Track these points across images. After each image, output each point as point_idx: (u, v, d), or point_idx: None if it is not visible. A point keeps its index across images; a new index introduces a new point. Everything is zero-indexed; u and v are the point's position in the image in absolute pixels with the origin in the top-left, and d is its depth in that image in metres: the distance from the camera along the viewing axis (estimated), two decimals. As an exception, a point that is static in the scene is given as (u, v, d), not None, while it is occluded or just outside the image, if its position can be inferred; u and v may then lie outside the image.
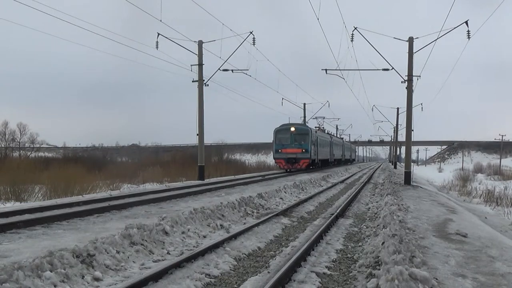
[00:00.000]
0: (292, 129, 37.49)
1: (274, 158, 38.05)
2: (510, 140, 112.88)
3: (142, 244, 7.81)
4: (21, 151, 70.72)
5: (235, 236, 9.18)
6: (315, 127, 48.72)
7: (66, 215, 10.74)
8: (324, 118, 61.04)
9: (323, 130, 53.21)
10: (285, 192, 18.83)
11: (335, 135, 69.14)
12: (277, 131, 37.80)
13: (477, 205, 24.99)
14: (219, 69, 26.26)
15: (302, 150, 36.96)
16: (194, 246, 8.43)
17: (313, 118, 56.65)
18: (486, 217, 18.12)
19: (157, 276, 6.15)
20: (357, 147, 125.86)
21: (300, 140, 37.33)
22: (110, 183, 32.60)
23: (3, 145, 71.66)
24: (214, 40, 25.67)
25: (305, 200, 16.78)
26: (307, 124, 55.88)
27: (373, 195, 20.80)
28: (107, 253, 6.95)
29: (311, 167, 40.44)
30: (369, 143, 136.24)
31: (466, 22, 21.76)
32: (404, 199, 16.29)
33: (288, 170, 37.15)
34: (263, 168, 59.10)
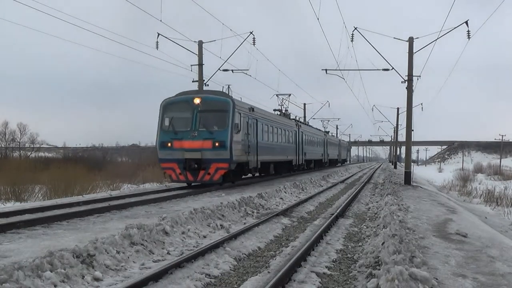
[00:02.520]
0: (197, 100, 18.98)
1: (160, 160, 19.40)
2: (510, 140, 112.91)
3: (142, 244, 7.81)
4: (21, 151, 70.79)
5: (235, 236, 9.18)
6: (299, 121, 36.53)
7: (66, 215, 10.74)
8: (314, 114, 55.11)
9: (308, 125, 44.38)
10: (285, 192, 18.83)
11: (332, 133, 64.66)
12: (167, 106, 19.65)
13: (477, 205, 25.00)
14: (219, 69, 26.20)
15: (214, 143, 18.45)
16: (194, 246, 8.43)
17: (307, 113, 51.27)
18: (486, 217, 18.13)
19: (157, 276, 6.15)
20: (351, 146, 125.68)
21: (212, 122, 19.06)
22: (110, 183, 32.63)
23: (3, 145, 71.72)
24: (214, 40, 25.45)
25: (305, 200, 16.78)
26: (308, 123, 48.72)
27: (373, 195, 20.80)
28: (107, 253, 6.95)
29: (253, 175, 24.41)
30: (369, 143, 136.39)
31: (466, 22, 21.77)
32: (404, 199, 16.29)
33: (191, 183, 19.57)
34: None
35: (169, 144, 18.95)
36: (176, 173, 18.80)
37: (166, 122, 19.40)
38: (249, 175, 23.57)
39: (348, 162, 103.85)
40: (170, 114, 19.42)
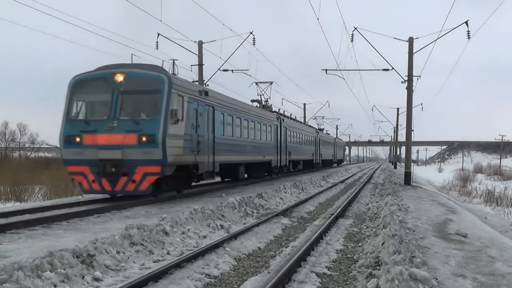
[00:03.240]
0: (118, 77, 13.72)
1: (65, 162, 14.14)
2: (510, 140, 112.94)
3: (142, 244, 7.81)
4: (21, 151, 70.77)
5: (235, 236, 9.18)
6: (282, 114, 30.87)
7: (66, 215, 10.74)
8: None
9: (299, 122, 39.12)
10: (285, 192, 18.83)
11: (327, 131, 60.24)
12: (76, 85, 14.37)
13: (477, 205, 24.99)
14: (219, 69, 26.23)
15: (140, 137, 13.23)
16: (194, 246, 8.43)
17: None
18: (486, 217, 18.12)
19: (157, 276, 6.15)
20: (351, 146, 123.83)
21: (139, 108, 13.91)
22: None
23: (3, 146, 71.71)
24: (214, 40, 25.40)
25: (305, 200, 16.79)
26: (295, 118, 40.15)
27: (373, 195, 20.81)
28: (107, 253, 6.95)
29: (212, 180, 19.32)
30: (369, 143, 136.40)
31: (466, 22, 21.77)
32: (404, 199, 16.29)
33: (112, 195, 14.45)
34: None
35: (78, 139, 13.43)
36: (88, 181, 13.43)
37: (75, 108, 13.99)
38: (212, 180, 18.84)
39: (345, 162, 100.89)
40: (81, 97, 14.05)
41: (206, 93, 16.65)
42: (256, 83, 30.22)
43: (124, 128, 13.16)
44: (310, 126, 45.22)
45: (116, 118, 13.35)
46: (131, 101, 13.83)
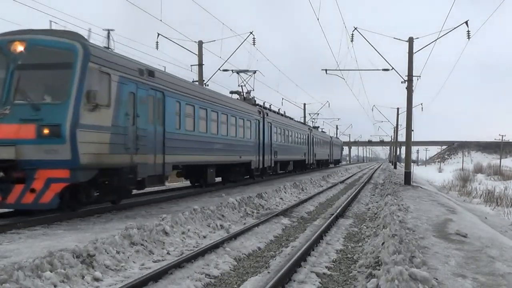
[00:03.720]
0: (17, 46, 10.12)
1: None
2: (510, 140, 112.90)
3: (142, 245, 7.81)
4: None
5: (235, 236, 9.18)
6: (267, 108, 27.55)
7: (66, 215, 10.73)
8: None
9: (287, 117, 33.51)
10: (285, 192, 18.83)
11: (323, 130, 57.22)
12: None
13: (477, 205, 24.99)
14: (219, 69, 26.24)
15: (40, 129, 9.63)
16: (194, 246, 8.43)
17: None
18: (486, 217, 18.12)
19: (157, 276, 6.15)
20: (351, 146, 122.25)
21: (41, 88, 10.41)
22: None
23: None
24: (214, 40, 25.40)
25: (305, 200, 16.79)
26: (284, 114, 35.74)
27: (373, 195, 20.81)
28: (107, 253, 6.95)
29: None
30: (369, 143, 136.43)
31: (466, 22, 21.79)
32: (404, 199, 16.29)
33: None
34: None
35: None
36: None
37: None
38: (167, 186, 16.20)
39: (345, 162, 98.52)
40: None
41: (151, 74, 12.74)
42: (237, 72, 25.82)
43: (19, 117, 9.73)
44: (302, 123, 41.69)
45: (9, 103, 9.89)
46: (32, 78, 10.35)
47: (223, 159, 18.85)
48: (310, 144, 39.22)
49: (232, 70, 26.11)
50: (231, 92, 24.28)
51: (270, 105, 28.77)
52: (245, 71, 26.04)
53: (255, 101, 25.80)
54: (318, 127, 54.00)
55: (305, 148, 37.10)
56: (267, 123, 25.34)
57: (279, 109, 31.31)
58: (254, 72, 26.29)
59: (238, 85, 25.54)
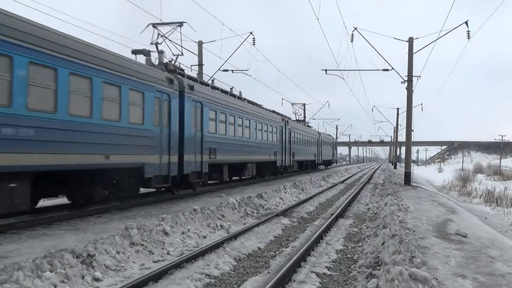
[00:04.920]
0: None
1: None
2: (510, 140, 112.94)
3: (142, 245, 7.81)
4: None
5: (235, 237, 9.19)
6: (213, 86, 20.22)
7: (66, 216, 10.74)
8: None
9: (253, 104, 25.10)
10: (285, 192, 18.83)
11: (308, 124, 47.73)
12: None
13: (477, 205, 24.97)
14: (219, 69, 26.22)
15: None
16: (194, 247, 8.43)
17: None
18: (486, 217, 18.12)
19: (157, 277, 6.16)
20: (351, 147, 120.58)
21: None
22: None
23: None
24: (214, 41, 25.35)
25: (305, 201, 16.80)
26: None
27: (373, 195, 20.81)
28: (107, 253, 6.95)
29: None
30: (369, 143, 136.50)
31: (466, 23, 21.77)
32: (404, 199, 16.29)
33: None
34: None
35: None
36: None
37: None
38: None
39: (343, 163, 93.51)
40: None
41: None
42: (153, 25, 17.74)
43: None
44: (274, 112, 29.57)
45: None
46: None
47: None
48: (284, 141, 29.70)
49: (152, 25, 17.78)
50: (134, 52, 15.33)
51: (231, 89, 22.94)
52: (166, 24, 18.13)
53: (184, 75, 16.94)
54: (303, 120, 45.91)
55: (277, 146, 28.14)
56: (207, 110, 18.13)
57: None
58: (180, 24, 18.24)
59: (151, 43, 17.28)
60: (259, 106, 26.75)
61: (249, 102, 24.56)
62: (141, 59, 15.05)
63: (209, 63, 27.72)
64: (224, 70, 26.59)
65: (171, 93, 14.59)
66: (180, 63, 17.60)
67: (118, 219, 10.76)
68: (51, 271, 5.79)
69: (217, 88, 20.02)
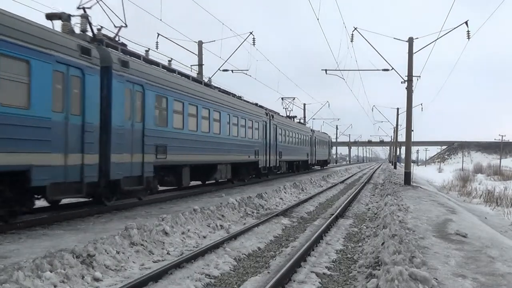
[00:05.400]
0: None
1: None
2: (510, 140, 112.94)
3: (142, 245, 7.81)
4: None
5: (235, 237, 9.19)
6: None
7: (66, 216, 10.74)
8: None
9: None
10: (285, 192, 18.83)
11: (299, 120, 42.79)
12: None
13: (477, 205, 24.98)
14: (219, 69, 26.23)
15: None
16: (194, 247, 8.43)
17: None
18: (486, 217, 18.12)
19: (157, 277, 6.16)
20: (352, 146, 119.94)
21: None
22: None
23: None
24: (214, 41, 25.33)
25: (305, 201, 16.80)
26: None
27: (373, 195, 20.81)
28: (107, 253, 6.95)
29: None
30: (369, 143, 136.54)
31: (466, 23, 21.79)
32: (404, 199, 16.29)
33: None
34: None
35: None
36: None
37: None
38: None
39: (343, 163, 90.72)
40: None
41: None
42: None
43: None
44: (252, 104, 25.05)
45: None
46: None
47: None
48: (267, 138, 25.95)
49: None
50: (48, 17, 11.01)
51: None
52: None
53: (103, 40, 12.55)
54: (294, 117, 40.63)
55: (258, 145, 24.10)
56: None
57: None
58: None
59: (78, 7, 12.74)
60: (238, 97, 22.63)
61: (222, 91, 20.41)
62: (60, 28, 11.16)
63: (209, 63, 27.67)
64: (224, 70, 26.59)
65: (86, 68, 10.63)
66: (121, 40, 13.55)
67: (118, 219, 10.76)
68: (51, 271, 5.79)
69: (173, 71, 15.88)
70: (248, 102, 24.21)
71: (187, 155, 15.54)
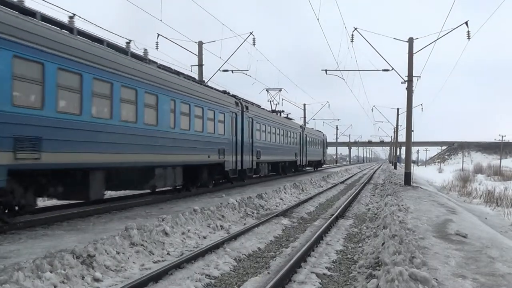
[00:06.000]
0: None
1: None
2: (510, 141, 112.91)
3: (142, 245, 7.81)
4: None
5: (235, 237, 9.19)
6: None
7: (67, 216, 10.74)
8: None
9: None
10: (285, 192, 18.83)
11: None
12: None
13: (477, 205, 24.97)
14: (219, 69, 26.21)
15: None
16: (194, 247, 8.43)
17: None
18: (486, 218, 18.12)
19: (157, 277, 6.16)
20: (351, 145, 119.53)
21: None
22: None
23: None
24: (214, 41, 25.19)
25: (305, 201, 16.80)
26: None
27: (373, 195, 20.81)
28: (107, 254, 6.95)
29: None
30: (369, 143, 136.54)
31: (466, 23, 21.78)
32: (404, 199, 16.29)
33: None
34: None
35: None
36: None
37: None
38: None
39: (343, 163, 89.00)
40: None
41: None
42: None
43: None
44: (213, 90, 19.50)
45: None
46: None
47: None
48: (239, 133, 21.11)
49: None
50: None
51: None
52: None
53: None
54: (282, 111, 34.77)
55: (227, 139, 19.41)
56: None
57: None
58: None
59: None
60: (198, 82, 18.36)
61: (167, 69, 15.49)
62: None
63: (209, 63, 27.68)
64: (224, 71, 26.58)
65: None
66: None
67: (118, 219, 10.76)
68: (51, 272, 5.79)
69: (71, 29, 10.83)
70: (212, 88, 19.32)
71: (89, 153, 10.75)
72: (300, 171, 37.96)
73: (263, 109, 25.65)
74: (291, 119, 36.13)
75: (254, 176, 24.50)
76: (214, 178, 19.45)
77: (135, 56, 13.34)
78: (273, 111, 32.75)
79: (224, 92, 20.89)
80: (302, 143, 36.42)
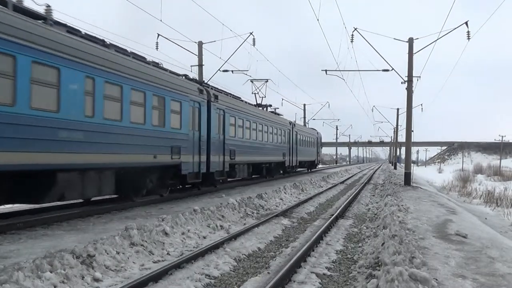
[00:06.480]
0: None
1: None
2: (510, 141, 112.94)
3: (142, 245, 7.81)
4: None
5: (235, 237, 9.19)
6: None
7: (66, 216, 10.74)
8: None
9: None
10: (285, 193, 18.83)
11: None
12: None
13: (477, 206, 24.98)
14: (219, 69, 26.21)
15: None
16: (194, 247, 8.43)
17: None
18: (486, 218, 18.12)
19: (157, 277, 6.16)
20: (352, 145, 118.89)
21: None
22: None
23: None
24: (214, 41, 25.16)
25: (305, 201, 16.80)
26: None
27: (373, 195, 20.81)
28: (107, 253, 6.95)
29: None
30: (369, 144, 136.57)
31: (466, 23, 21.79)
32: (404, 199, 16.29)
33: None
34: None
35: None
36: None
37: None
38: None
39: (343, 163, 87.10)
40: None
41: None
42: None
43: None
44: (183, 79, 16.77)
45: None
46: None
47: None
48: (203, 128, 17.13)
49: None
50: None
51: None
52: None
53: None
54: (269, 106, 30.54)
55: (184, 135, 15.59)
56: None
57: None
58: None
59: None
60: (140, 58, 13.53)
61: (120, 50, 12.46)
62: None
63: (209, 63, 27.64)
64: (224, 71, 26.58)
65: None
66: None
67: (118, 219, 10.76)
68: (51, 272, 5.79)
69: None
70: (163, 69, 15.01)
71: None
72: (290, 172, 33.86)
73: (242, 100, 22.36)
74: (278, 114, 31.35)
75: (229, 180, 21.13)
76: (167, 184, 15.21)
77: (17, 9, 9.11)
78: (258, 104, 28.69)
79: (185, 76, 17.12)
80: (291, 142, 32.41)
